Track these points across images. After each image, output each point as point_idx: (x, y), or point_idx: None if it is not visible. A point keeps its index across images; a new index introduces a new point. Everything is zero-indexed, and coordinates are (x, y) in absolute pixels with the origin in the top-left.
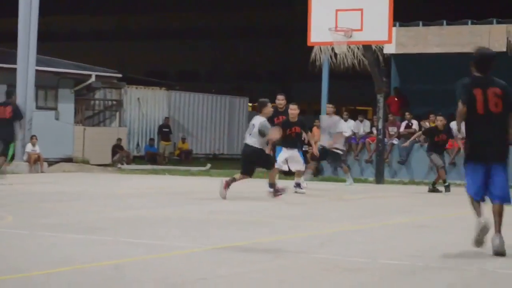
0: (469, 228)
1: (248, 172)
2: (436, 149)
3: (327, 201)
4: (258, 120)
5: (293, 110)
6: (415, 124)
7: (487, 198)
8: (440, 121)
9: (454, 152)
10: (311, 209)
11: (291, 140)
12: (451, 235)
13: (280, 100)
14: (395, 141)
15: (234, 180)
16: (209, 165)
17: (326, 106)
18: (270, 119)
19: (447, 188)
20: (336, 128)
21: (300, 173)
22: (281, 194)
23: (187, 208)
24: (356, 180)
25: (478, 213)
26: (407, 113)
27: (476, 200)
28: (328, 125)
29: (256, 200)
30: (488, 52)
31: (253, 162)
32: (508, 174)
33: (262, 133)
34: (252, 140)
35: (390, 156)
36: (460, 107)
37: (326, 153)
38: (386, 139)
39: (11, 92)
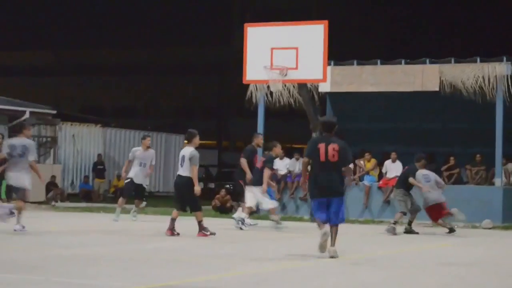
0: (404, 266)
1: (181, 208)
2: None
3: (265, 239)
4: (188, 151)
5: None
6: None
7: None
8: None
9: (388, 190)
10: (249, 247)
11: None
12: (383, 272)
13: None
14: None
15: (173, 221)
16: (144, 203)
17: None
18: (250, 158)
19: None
20: None
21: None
22: (208, 234)
23: (121, 246)
24: (292, 218)
25: (321, 226)
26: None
27: (323, 222)
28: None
29: (193, 238)
30: (331, 120)
31: (184, 193)
32: (343, 203)
33: (193, 162)
34: (185, 171)
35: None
36: (305, 159)
37: None
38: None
39: None
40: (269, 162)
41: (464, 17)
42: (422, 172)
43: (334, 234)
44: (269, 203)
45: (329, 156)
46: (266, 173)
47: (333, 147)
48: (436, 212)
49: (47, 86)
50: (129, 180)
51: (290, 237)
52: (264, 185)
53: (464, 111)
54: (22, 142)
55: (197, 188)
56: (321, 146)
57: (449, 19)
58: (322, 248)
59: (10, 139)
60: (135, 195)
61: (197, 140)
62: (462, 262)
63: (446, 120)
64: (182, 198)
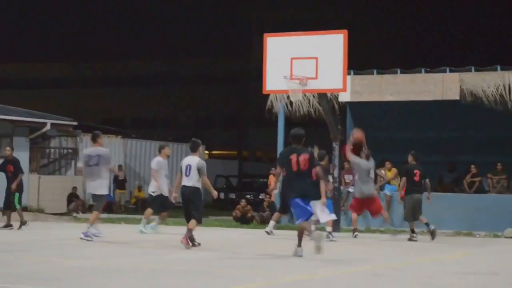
0: (423, 277)
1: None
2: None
3: (282, 250)
4: (195, 160)
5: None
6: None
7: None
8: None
9: None
10: (266, 258)
11: None
12: (404, 283)
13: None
14: (351, 189)
15: (190, 231)
16: (165, 213)
17: None
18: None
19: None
20: None
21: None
22: (191, 246)
23: (142, 257)
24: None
25: (310, 231)
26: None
27: (305, 220)
28: None
29: (210, 249)
30: (299, 132)
31: (189, 203)
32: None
33: (203, 172)
34: (190, 181)
35: (346, 204)
36: (278, 170)
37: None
38: (342, 187)
39: None
40: (325, 175)
41: (484, 25)
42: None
43: (303, 231)
44: (327, 217)
45: (301, 166)
46: (324, 185)
47: (303, 157)
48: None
49: (68, 98)
50: (158, 193)
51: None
52: (323, 198)
53: (485, 119)
54: (97, 151)
55: (214, 193)
56: (293, 156)
57: (469, 27)
58: (319, 249)
59: (86, 149)
60: (162, 208)
61: (201, 150)
62: (483, 271)
63: (466, 129)
64: (187, 209)
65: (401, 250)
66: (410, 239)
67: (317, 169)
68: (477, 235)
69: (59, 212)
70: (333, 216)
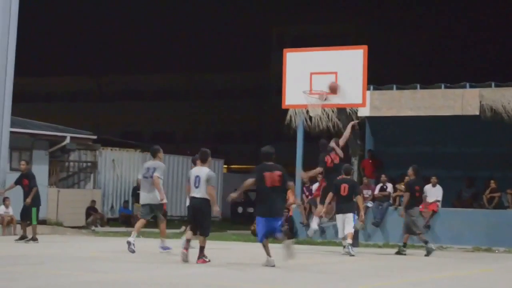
0: None
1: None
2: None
3: (300, 265)
4: (205, 171)
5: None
6: (389, 187)
7: None
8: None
9: (428, 215)
10: (283, 273)
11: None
12: None
13: None
14: (370, 204)
15: (202, 249)
16: (183, 227)
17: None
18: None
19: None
20: None
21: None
22: (208, 261)
23: (160, 271)
24: (331, 243)
25: (268, 253)
26: (383, 176)
27: (262, 241)
28: None
29: (228, 264)
30: (269, 149)
31: (198, 215)
32: (281, 221)
33: (211, 183)
34: (199, 192)
35: (364, 219)
36: (250, 181)
37: None
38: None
39: None
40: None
41: (505, 41)
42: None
43: (267, 245)
44: (350, 228)
45: (274, 182)
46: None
47: (277, 174)
48: None
49: (87, 111)
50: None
51: (330, 263)
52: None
53: (505, 135)
54: (154, 164)
55: (216, 208)
56: (266, 174)
57: (489, 42)
58: (292, 256)
59: (145, 163)
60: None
61: (210, 160)
62: (502, 287)
63: (486, 144)
64: (195, 221)
65: (419, 265)
66: (398, 252)
67: (291, 185)
68: (497, 251)
69: (78, 226)
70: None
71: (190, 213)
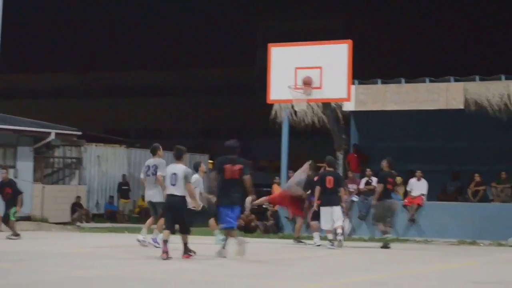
0: (425, 286)
1: (172, 229)
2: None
3: (286, 259)
4: (181, 168)
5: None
6: (374, 181)
7: None
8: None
9: (413, 209)
10: (269, 267)
11: None
12: None
13: None
14: (355, 198)
15: (186, 246)
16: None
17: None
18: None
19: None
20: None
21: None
22: (193, 254)
23: (147, 267)
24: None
25: (232, 234)
26: (368, 170)
27: (231, 228)
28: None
29: (214, 259)
30: (234, 143)
31: (177, 213)
32: (239, 211)
33: (188, 180)
34: (177, 190)
35: (350, 213)
36: (213, 174)
37: None
38: (346, 196)
39: None
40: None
41: (489, 34)
42: None
43: (235, 235)
44: (340, 222)
45: (233, 175)
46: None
47: (238, 167)
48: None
49: (72, 107)
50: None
51: (314, 257)
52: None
53: (489, 128)
54: (155, 161)
55: (198, 203)
56: (227, 167)
57: (473, 36)
58: (242, 253)
59: (147, 161)
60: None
61: (186, 157)
62: (486, 280)
63: (471, 138)
64: (174, 218)
65: (404, 258)
66: (384, 246)
67: (247, 178)
68: (481, 244)
69: (63, 222)
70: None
71: (168, 211)
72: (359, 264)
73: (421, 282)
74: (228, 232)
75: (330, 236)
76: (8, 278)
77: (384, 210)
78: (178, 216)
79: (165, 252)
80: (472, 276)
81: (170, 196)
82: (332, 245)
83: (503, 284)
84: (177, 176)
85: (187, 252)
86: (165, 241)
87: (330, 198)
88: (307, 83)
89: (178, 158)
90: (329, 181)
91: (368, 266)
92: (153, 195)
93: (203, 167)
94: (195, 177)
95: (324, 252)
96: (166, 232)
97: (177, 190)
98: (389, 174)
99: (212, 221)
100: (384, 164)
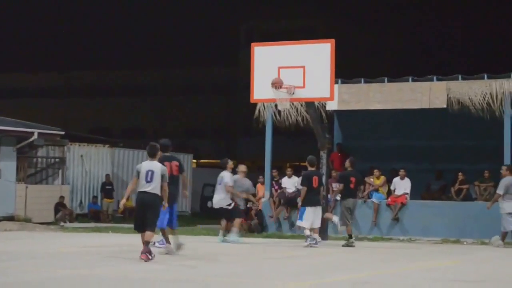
0: (410, 285)
1: (140, 229)
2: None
3: (271, 258)
4: (158, 166)
5: None
6: None
7: None
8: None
9: (397, 208)
10: (251, 266)
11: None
12: None
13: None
14: (338, 197)
15: (148, 244)
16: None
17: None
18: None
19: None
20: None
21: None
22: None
23: (129, 267)
24: (301, 237)
25: (167, 238)
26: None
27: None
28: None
29: (197, 258)
30: (167, 142)
31: (148, 211)
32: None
33: (165, 179)
34: (153, 187)
35: (333, 212)
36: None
37: None
38: (329, 195)
39: None
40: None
41: (471, 34)
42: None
43: (176, 233)
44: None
45: (173, 171)
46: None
47: (175, 163)
48: None
49: (55, 107)
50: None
51: (298, 256)
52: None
53: (472, 127)
54: (222, 174)
55: (166, 205)
56: (166, 164)
57: (456, 36)
58: (180, 247)
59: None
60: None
61: (160, 154)
62: (470, 279)
63: (454, 137)
64: (145, 217)
65: (388, 257)
66: (347, 245)
67: (184, 175)
68: (465, 243)
69: (47, 222)
70: (304, 224)
71: (139, 208)
72: (343, 263)
73: (405, 281)
74: (162, 231)
75: (307, 232)
76: None
77: (346, 208)
78: (149, 214)
79: (146, 253)
80: (455, 274)
81: (143, 193)
82: (313, 241)
83: (486, 283)
84: (154, 173)
85: (146, 252)
86: (147, 243)
87: (315, 198)
88: (276, 83)
89: (153, 155)
90: (315, 180)
91: (352, 265)
92: (221, 201)
93: (231, 164)
94: (235, 177)
95: (307, 252)
96: (148, 234)
97: (151, 188)
98: (352, 174)
99: (223, 222)
100: (347, 163)
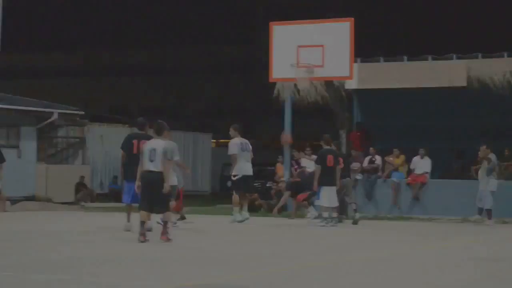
0: (429, 264)
1: (149, 209)
2: None
3: (289, 237)
4: (160, 144)
5: None
6: (378, 159)
7: None
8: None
9: (417, 187)
10: (273, 245)
11: None
12: (415, 269)
13: None
14: (359, 177)
15: (166, 225)
16: (173, 202)
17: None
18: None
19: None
20: None
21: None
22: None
23: (146, 246)
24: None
25: (128, 219)
26: (371, 148)
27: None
28: None
29: (216, 237)
30: (142, 120)
31: (155, 191)
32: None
33: (168, 156)
34: (156, 166)
35: (353, 192)
36: (123, 152)
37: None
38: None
39: None
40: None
41: (492, 12)
42: None
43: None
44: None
45: (139, 150)
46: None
47: (143, 142)
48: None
49: (75, 87)
50: (240, 175)
51: (318, 235)
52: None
53: (492, 106)
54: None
55: (168, 186)
56: (134, 142)
57: (476, 14)
58: (143, 236)
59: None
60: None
61: (167, 133)
62: (489, 257)
63: (474, 116)
64: (152, 197)
65: (407, 237)
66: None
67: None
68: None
69: (67, 202)
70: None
71: (145, 189)
72: (362, 242)
73: (425, 259)
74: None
75: (325, 215)
76: (8, 257)
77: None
78: (156, 194)
79: (143, 234)
80: (472, 253)
81: (148, 172)
82: (326, 223)
83: (503, 262)
84: (156, 151)
85: (166, 234)
86: (143, 223)
87: (331, 177)
88: (284, 139)
89: (159, 133)
90: (330, 160)
91: (372, 244)
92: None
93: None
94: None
95: (326, 230)
96: (144, 214)
97: (155, 166)
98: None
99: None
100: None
